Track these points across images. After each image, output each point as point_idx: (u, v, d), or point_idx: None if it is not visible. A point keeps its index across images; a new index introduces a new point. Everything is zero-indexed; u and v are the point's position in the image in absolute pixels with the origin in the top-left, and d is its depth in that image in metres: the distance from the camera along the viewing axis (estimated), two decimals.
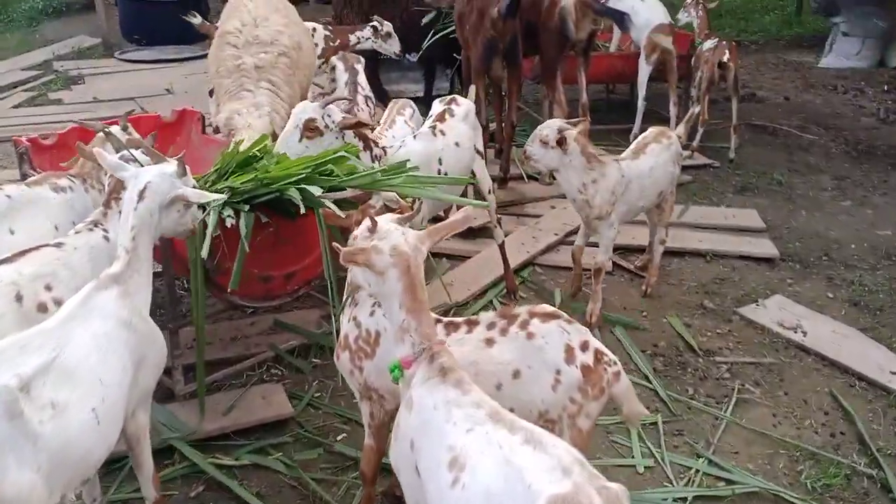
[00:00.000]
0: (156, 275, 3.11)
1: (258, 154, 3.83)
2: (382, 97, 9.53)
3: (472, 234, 6.03)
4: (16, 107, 9.33)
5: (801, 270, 5.85)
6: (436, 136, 4.49)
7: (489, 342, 2.80)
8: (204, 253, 3.37)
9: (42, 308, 2.97)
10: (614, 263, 5.72)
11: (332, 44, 7.44)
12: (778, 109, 9.82)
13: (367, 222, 2.56)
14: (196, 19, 6.42)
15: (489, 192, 5.03)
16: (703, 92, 7.67)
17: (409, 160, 4.00)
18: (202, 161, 4.82)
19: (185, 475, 3.66)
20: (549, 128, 4.74)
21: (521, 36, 6.66)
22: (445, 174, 4.45)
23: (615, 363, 2.81)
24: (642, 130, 5.58)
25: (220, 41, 5.29)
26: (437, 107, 4.78)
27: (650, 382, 4.45)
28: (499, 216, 6.14)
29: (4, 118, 8.54)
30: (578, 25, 6.95)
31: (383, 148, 4.21)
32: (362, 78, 5.86)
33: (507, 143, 6.93)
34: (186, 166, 3.08)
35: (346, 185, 3.55)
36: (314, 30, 7.11)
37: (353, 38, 7.61)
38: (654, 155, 5.08)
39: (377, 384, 3.05)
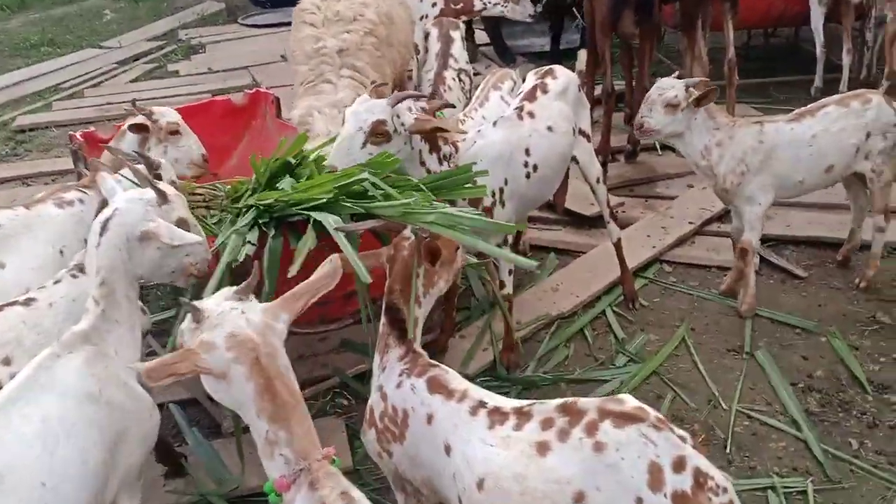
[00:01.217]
0: None
1: (293, 161, 3.16)
2: (505, 55, 8.67)
3: (587, 223, 5.15)
4: (134, 81, 9.21)
5: None
6: (522, 120, 3.66)
7: (543, 448, 2.03)
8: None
9: None
10: (763, 260, 4.69)
11: (453, 6, 6.65)
12: None
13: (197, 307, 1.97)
14: None
15: (597, 180, 4.16)
16: (892, 38, 6.24)
17: (475, 162, 3.22)
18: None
19: None
20: (674, 87, 4.02)
21: None
22: (535, 167, 3.64)
23: (726, 490, 1.96)
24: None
25: (296, 20, 4.66)
26: (529, 80, 3.93)
27: (800, 431, 3.49)
28: (621, 204, 5.31)
29: (117, 94, 8.40)
30: None
31: (454, 144, 3.45)
32: (458, 48, 5.04)
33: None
34: (173, 191, 2.47)
35: (375, 211, 2.82)
36: None
37: (478, 3, 6.79)
38: (824, 120, 4.13)
39: (410, 474, 2.36)
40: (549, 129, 3.71)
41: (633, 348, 4.09)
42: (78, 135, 4.16)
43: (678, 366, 3.98)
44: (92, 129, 4.37)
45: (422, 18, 6.35)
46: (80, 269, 2.74)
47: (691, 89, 4.02)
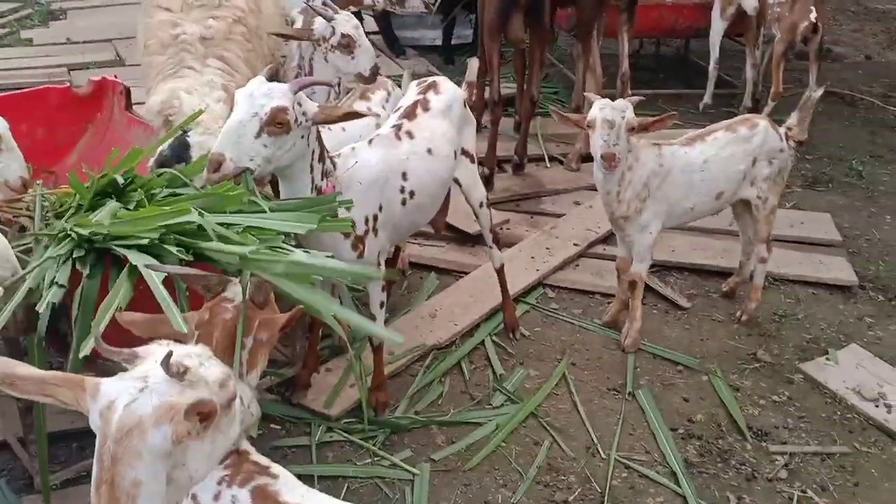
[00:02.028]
0: None
1: (122, 180, 2.69)
2: (394, 46, 8.27)
3: (470, 240, 4.87)
4: None
5: (884, 305, 4.60)
6: (400, 140, 3.32)
7: None
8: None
9: None
10: (647, 287, 4.52)
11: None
12: (858, 72, 8.30)
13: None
14: None
15: (480, 205, 3.87)
16: (778, 59, 6.23)
17: (340, 194, 2.85)
18: (125, 149, 3.73)
19: None
20: (624, 108, 3.68)
21: None
22: (412, 193, 3.31)
23: None
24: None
25: (147, 3, 4.08)
26: (410, 93, 3.58)
27: (678, 485, 3.32)
28: (506, 221, 5.05)
29: None
30: None
31: (332, 159, 3.06)
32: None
33: (527, 121, 5.63)
34: None
35: (211, 255, 2.40)
36: None
37: None
38: (714, 145, 3.99)
39: None
40: (429, 151, 3.38)
41: (511, 385, 3.83)
42: None
43: (557, 406, 3.75)
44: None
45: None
46: None
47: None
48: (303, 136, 2.82)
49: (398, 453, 3.40)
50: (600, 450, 3.49)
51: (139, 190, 2.71)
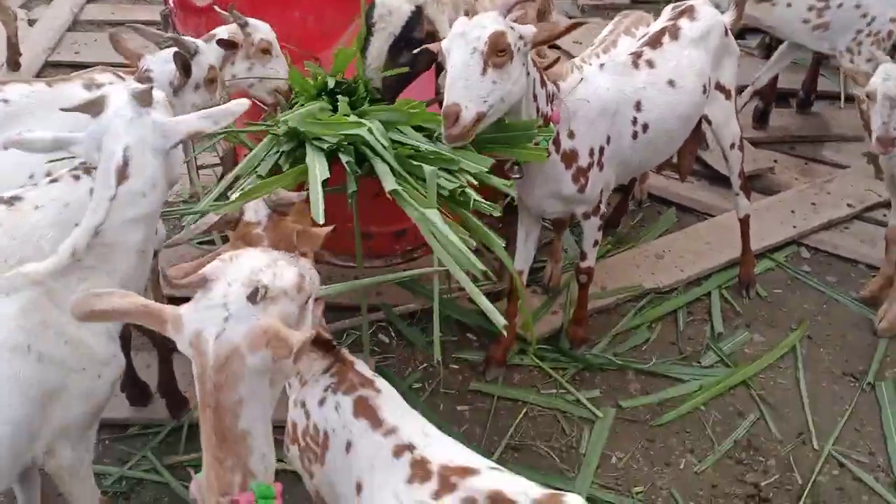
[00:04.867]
0: None
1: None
2: None
3: (724, 181, 4.41)
4: None
5: None
6: (637, 69, 3.03)
7: None
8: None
9: None
10: None
11: None
12: None
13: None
14: None
15: (732, 146, 3.49)
16: None
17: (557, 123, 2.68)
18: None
19: None
20: None
21: None
22: (645, 127, 3.04)
23: None
24: None
25: None
26: (661, 18, 3.25)
27: None
28: (773, 164, 4.52)
29: None
30: None
31: (556, 83, 2.87)
32: None
33: None
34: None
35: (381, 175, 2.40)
36: None
37: None
38: None
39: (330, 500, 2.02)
40: (671, 83, 3.07)
41: (728, 347, 3.50)
42: None
43: (776, 380, 3.37)
44: None
45: None
46: (87, 169, 2.47)
47: None
48: (523, 64, 2.62)
49: (585, 391, 3.28)
50: (814, 438, 3.10)
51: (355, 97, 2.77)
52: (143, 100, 2.02)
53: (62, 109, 2.20)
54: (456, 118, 2.44)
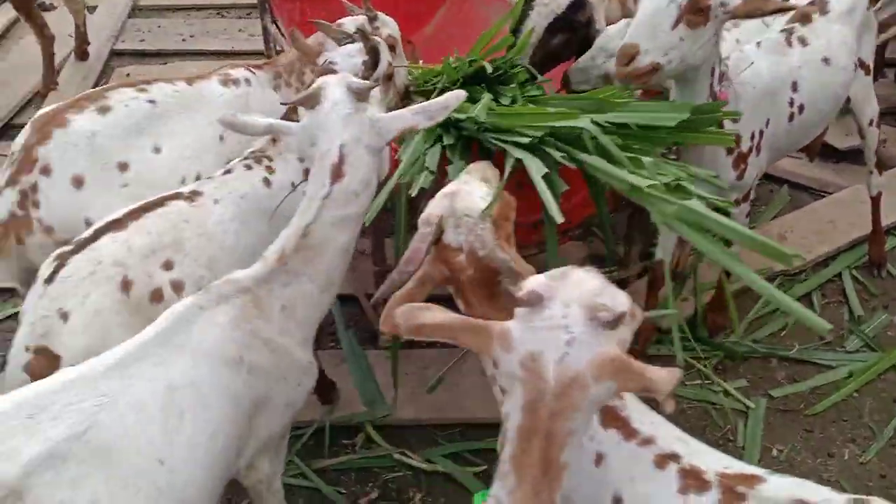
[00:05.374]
0: None
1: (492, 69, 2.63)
2: None
3: (837, 156, 4.28)
4: None
5: None
6: (791, 47, 2.89)
7: None
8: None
9: (157, 297, 2.11)
10: None
11: None
12: None
13: None
14: None
15: (871, 122, 3.34)
16: None
17: (728, 103, 2.53)
18: (479, 26, 3.73)
19: (362, 469, 2.92)
20: None
21: None
22: (801, 108, 2.90)
23: None
24: None
25: None
26: None
27: None
28: (883, 141, 4.35)
29: None
30: None
31: (724, 62, 2.71)
32: None
33: None
34: None
35: (594, 173, 2.27)
36: None
37: None
38: None
39: None
40: (825, 61, 2.92)
41: (870, 330, 3.37)
42: None
43: None
44: None
45: None
46: (259, 158, 2.41)
47: None
48: (715, 32, 2.46)
49: (732, 381, 3.17)
50: None
51: (518, 77, 2.63)
52: (362, 95, 1.91)
53: (282, 104, 2.20)
54: (630, 59, 2.33)
